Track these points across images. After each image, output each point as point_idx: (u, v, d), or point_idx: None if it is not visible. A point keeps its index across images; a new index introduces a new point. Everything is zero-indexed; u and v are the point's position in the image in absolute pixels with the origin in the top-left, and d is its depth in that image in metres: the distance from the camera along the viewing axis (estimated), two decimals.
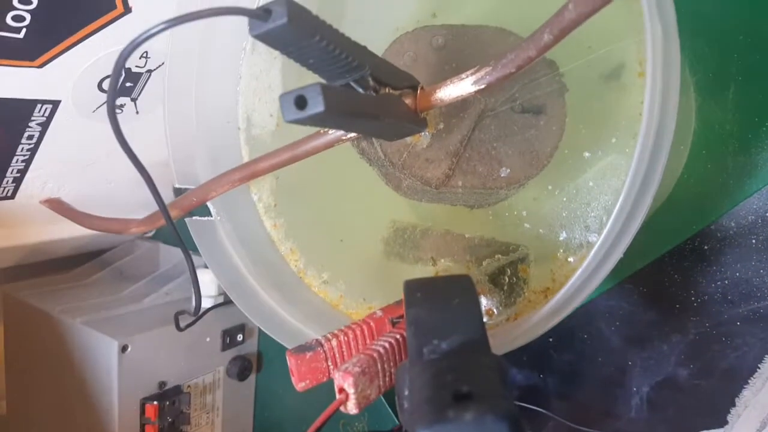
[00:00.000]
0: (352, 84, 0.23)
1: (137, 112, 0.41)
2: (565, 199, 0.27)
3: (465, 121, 0.29)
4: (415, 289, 0.21)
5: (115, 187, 0.44)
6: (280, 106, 0.19)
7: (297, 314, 0.31)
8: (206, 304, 0.46)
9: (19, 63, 0.32)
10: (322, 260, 0.34)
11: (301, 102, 0.18)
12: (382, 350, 0.23)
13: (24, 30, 0.30)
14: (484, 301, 0.27)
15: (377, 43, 0.31)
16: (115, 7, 0.33)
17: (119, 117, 0.39)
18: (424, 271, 0.31)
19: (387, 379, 0.23)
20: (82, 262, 0.55)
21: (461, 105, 0.29)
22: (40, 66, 0.33)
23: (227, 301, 0.47)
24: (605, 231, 0.20)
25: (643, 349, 0.38)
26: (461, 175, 0.30)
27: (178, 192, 0.32)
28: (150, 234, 0.56)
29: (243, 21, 0.18)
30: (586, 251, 0.25)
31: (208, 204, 0.32)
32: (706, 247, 0.36)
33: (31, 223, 0.44)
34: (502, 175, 0.29)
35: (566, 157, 0.27)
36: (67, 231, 0.47)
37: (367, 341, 0.25)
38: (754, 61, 0.33)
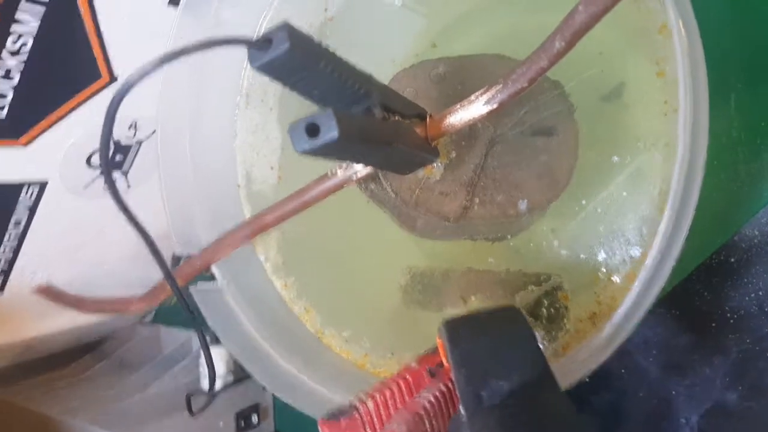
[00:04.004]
0: (359, 113, 0.21)
1: (129, 186, 0.39)
2: (599, 210, 0.25)
3: (476, 149, 0.28)
4: (457, 326, 0.19)
5: (110, 269, 0.42)
6: (289, 137, 0.17)
7: (320, 379, 0.28)
8: (216, 386, 0.43)
9: (3, 143, 0.30)
10: (340, 317, 0.31)
11: (313, 129, 0.17)
12: (428, 405, 0.20)
13: (6, 108, 0.29)
14: None
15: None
16: (100, 75, 0.32)
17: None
18: (452, 314, 0.28)
19: None
20: (79, 356, 0.52)
21: (470, 133, 0.28)
22: (26, 144, 0.31)
23: (238, 379, 0.44)
24: (658, 237, 0.19)
25: (685, 377, 0.35)
26: (480, 206, 0.28)
27: (177, 260, 0.30)
28: (149, 318, 0.53)
29: (236, 73, 0.17)
30: (631, 267, 0.23)
31: (213, 270, 0.30)
32: (732, 260, 0.34)
33: (21, 317, 0.41)
34: (522, 202, 0.28)
35: (594, 164, 0.26)
36: (61, 323, 0.44)
37: (407, 398, 0.22)
38: (752, 67, 0.32)
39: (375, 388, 0.23)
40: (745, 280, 0.33)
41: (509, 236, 0.29)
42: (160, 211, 0.32)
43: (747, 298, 0.33)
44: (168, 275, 0.23)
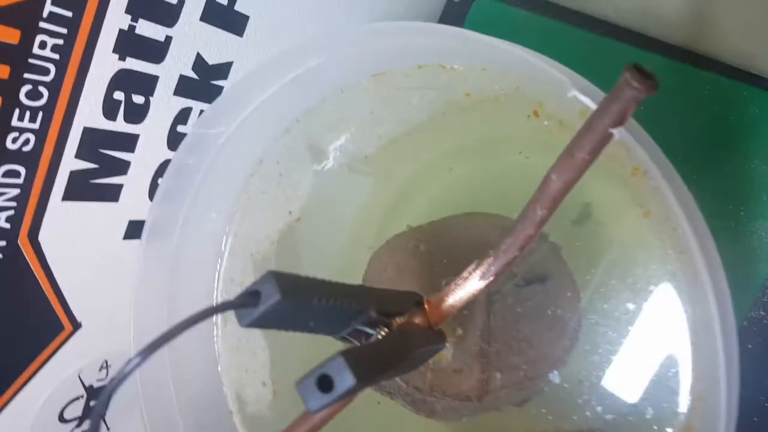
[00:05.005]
0: (359, 328, 0.20)
1: (108, 430, 0.35)
2: (626, 359, 0.23)
3: (478, 316, 0.27)
4: None
5: None
6: (300, 396, 0.15)
7: None
8: None
9: None
10: None
11: (325, 383, 0.15)
12: None
13: None
14: None
15: (352, 264, 0.30)
16: (63, 327, 0.30)
17: None
18: None
19: None
20: None
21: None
22: None
23: None
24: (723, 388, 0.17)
25: None
26: (498, 374, 0.26)
27: None
28: None
29: (209, 290, 0.16)
30: (686, 419, 0.21)
31: None
32: (750, 346, 0.33)
33: None
34: (538, 358, 0.26)
35: (597, 305, 0.25)
36: None
37: None
38: (701, 158, 0.34)
39: None
40: None
41: (535, 397, 0.27)
42: None
43: None
44: None
